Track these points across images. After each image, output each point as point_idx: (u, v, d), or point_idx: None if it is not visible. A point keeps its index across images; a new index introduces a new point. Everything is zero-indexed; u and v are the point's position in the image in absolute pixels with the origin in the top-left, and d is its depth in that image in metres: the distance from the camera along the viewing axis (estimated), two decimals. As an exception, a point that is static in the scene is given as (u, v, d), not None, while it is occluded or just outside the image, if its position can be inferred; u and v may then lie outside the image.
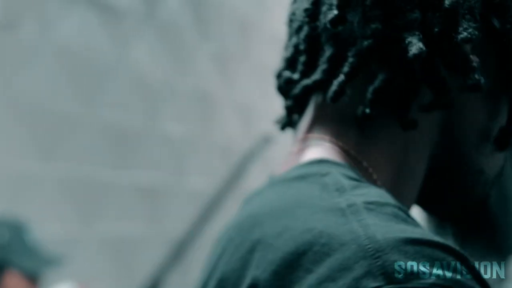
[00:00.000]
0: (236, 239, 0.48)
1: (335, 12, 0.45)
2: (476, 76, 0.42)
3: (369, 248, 0.36)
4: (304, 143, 0.50)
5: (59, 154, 2.40)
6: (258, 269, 0.42)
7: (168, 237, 2.77)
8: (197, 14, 3.15)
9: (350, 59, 0.44)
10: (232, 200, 2.95)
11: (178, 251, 2.69)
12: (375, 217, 0.38)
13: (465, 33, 0.42)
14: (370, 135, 0.47)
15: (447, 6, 0.42)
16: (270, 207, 0.47)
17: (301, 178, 0.47)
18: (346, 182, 0.43)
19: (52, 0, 2.41)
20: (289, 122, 0.58)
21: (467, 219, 0.55)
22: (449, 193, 0.51)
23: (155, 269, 2.64)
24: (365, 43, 0.43)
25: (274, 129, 0.86)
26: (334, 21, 0.45)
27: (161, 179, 2.88)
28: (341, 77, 0.44)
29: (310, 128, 0.50)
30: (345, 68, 0.44)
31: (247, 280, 0.43)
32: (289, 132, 0.99)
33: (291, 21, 0.54)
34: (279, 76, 0.53)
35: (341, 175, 0.44)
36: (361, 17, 0.44)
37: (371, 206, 0.39)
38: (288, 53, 0.53)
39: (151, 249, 2.76)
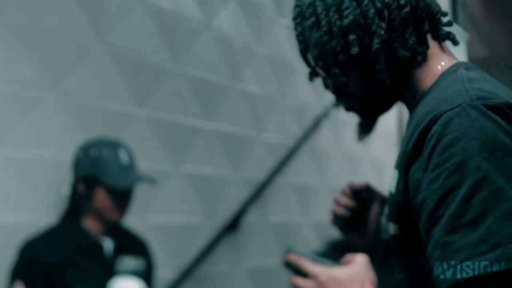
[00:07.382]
0: None
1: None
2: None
3: None
4: None
5: (152, 101, 2.48)
6: None
7: (246, 180, 2.86)
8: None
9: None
10: (305, 153, 3.19)
11: (257, 194, 2.81)
12: None
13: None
14: None
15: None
16: None
17: None
18: None
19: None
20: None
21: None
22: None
23: (235, 208, 2.72)
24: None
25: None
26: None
27: (241, 130, 2.94)
28: None
29: None
30: None
31: None
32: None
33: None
34: None
35: None
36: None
37: None
38: None
39: (231, 189, 2.81)
